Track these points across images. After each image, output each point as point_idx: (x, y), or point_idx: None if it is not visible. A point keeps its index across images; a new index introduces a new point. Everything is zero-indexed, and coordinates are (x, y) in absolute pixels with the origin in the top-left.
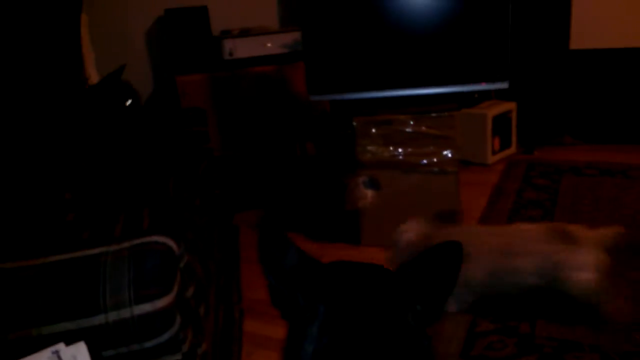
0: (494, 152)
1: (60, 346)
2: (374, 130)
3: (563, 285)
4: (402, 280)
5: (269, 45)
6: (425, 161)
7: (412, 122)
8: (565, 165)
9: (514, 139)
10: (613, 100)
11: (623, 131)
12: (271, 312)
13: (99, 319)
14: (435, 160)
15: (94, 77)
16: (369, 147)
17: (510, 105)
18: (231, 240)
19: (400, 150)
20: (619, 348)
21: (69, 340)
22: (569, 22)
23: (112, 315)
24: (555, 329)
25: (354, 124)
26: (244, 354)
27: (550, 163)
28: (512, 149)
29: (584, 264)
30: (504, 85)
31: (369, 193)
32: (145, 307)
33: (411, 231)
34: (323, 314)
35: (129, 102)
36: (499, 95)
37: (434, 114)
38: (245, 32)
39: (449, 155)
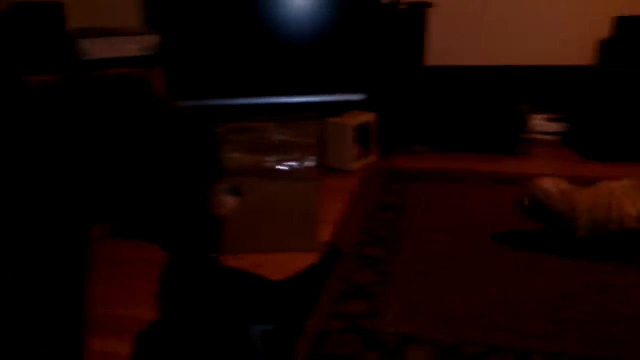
0: (356, 160)
1: None
2: (237, 137)
3: None
4: (255, 298)
5: (128, 46)
6: (287, 168)
7: (275, 130)
8: (416, 172)
9: (374, 147)
10: (463, 113)
11: (470, 141)
12: (123, 328)
13: None
14: (296, 167)
15: None
16: (233, 154)
17: (371, 116)
18: (79, 254)
19: (263, 157)
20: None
21: None
22: (423, 41)
23: None
24: (397, 325)
25: (218, 130)
26: None
27: (404, 170)
28: (372, 157)
29: None
30: (361, 96)
31: (231, 200)
32: None
33: (550, 182)
34: (163, 321)
35: None
36: (361, 106)
37: (296, 122)
38: (103, 32)
39: (310, 163)
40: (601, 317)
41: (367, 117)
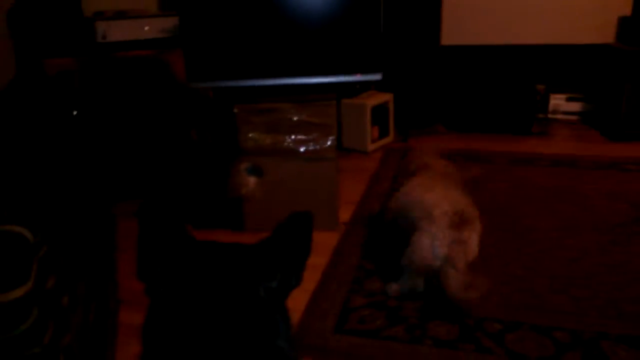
0: (373, 141)
1: None
2: (255, 118)
3: None
4: (255, 255)
5: (146, 28)
6: (305, 148)
7: (293, 111)
8: None
9: (391, 128)
10: (479, 93)
11: (486, 121)
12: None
13: None
14: (315, 147)
15: None
16: (251, 135)
17: (388, 97)
18: (108, 230)
19: (281, 137)
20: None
21: None
22: (440, 20)
23: None
24: (420, 304)
25: (235, 111)
26: (120, 344)
27: None
28: (390, 137)
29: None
30: (377, 76)
31: (252, 180)
32: None
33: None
34: (170, 291)
35: None
36: (378, 87)
37: (313, 103)
38: (120, 15)
39: (329, 142)
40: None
41: (384, 97)
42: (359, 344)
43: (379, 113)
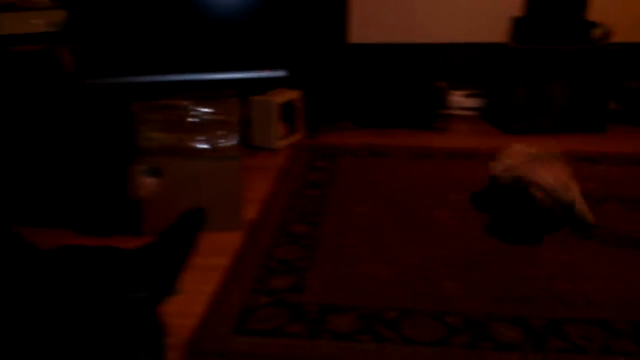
0: (281, 138)
1: None
2: (154, 116)
3: None
4: (126, 263)
5: (35, 22)
6: (208, 147)
7: (193, 108)
8: (342, 148)
9: (300, 125)
10: (384, 90)
11: (391, 117)
12: None
13: None
14: (218, 146)
15: None
16: (150, 134)
17: (296, 94)
18: None
19: (182, 136)
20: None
21: None
22: (347, 19)
23: None
24: (320, 296)
25: (133, 109)
26: None
27: (331, 147)
28: (298, 135)
29: None
30: (282, 73)
31: (150, 181)
32: None
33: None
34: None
35: None
36: (287, 84)
37: (215, 100)
38: (6, 7)
39: (232, 140)
40: (509, 279)
41: (292, 94)
42: (259, 343)
43: (287, 110)
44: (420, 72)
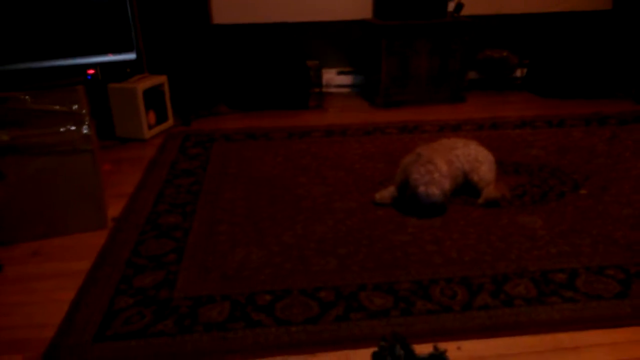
0: (150, 127)
1: None
2: None
3: None
4: None
5: None
6: (53, 141)
7: (31, 100)
8: (217, 133)
9: (169, 112)
10: (257, 71)
11: (266, 99)
12: None
13: None
14: (66, 139)
15: None
16: None
17: (162, 79)
18: None
19: (21, 131)
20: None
21: None
22: None
23: None
24: (191, 289)
25: None
26: None
27: (205, 132)
28: (170, 122)
29: None
30: (131, 56)
31: None
32: None
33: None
34: None
35: None
36: (151, 70)
37: (56, 90)
38: None
39: (82, 132)
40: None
41: (158, 80)
42: (123, 347)
43: (153, 97)
44: (291, 51)
